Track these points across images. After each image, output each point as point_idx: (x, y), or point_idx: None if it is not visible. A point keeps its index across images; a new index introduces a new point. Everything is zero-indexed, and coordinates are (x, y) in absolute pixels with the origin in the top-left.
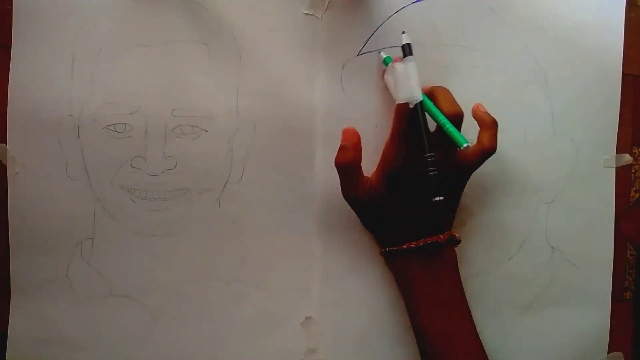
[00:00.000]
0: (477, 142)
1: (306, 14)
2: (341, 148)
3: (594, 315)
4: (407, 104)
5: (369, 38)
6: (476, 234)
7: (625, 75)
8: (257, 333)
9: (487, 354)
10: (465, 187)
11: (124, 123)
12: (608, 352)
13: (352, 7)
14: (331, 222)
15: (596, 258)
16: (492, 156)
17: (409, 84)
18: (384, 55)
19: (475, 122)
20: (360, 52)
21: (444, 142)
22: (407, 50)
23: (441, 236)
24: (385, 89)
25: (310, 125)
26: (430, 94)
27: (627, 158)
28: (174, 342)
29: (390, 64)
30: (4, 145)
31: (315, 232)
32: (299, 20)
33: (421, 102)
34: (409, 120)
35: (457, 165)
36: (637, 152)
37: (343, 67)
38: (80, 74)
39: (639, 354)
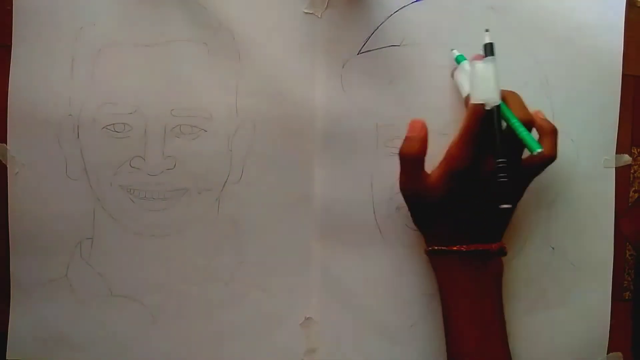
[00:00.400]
0: None
1: (306, 12)
2: (407, 139)
3: (593, 315)
4: (482, 105)
5: (369, 37)
6: None
7: (625, 76)
8: (257, 333)
9: None
10: None
11: (123, 123)
12: (607, 352)
13: (352, 6)
14: (331, 222)
15: (596, 258)
16: None
17: (488, 85)
18: (456, 53)
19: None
20: (360, 51)
21: (509, 148)
22: (489, 49)
23: (493, 246)
24: (387, 87)
25: (310, 125)
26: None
27: (626, 158)
28: (174, 342)
29: (469, 62)
30: (4, 145)
31: (315, 232)
32: (298, 19)
33: (498, 105)
34: (482, 121)
35: (518, 172)
36: (636, 152)
37: (343, 66)
38: (79, 74)
39: (638, 354)
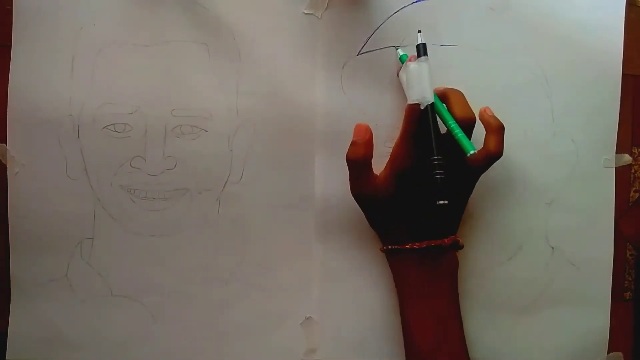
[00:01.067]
0: (483, 146)
1: (306, 13)
2: (353, 144)
3: (593, 315)
4: (418, 104)
5: (369, 37)
6: (476, 234)
7: (625, 75)
8: (257, 333)
9: (486, 354)
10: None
11: (123, 123)
12: (608, 352)
13: (352, 7)
14: (331, 222)
15: (596, 258)
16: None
17: (421, 84)
18: (400, 52)
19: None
20: (360, 51)
21: (454, 145)
22: (421, 50)
23: (445, 240)
24: (386, 88)
25: (310, 125)
26: (443, 95)
27: (627, 158)
28: (174, 342)
29: (404, 63)
30: (4, 145)
31: (315, 232)
32: (298, 20)
33: (432, 104)
34: (419, 121)
35: (464, 169)
36: (637, 152)
37: (343, 67)
38: (80, 74)
39: (639, 354)
